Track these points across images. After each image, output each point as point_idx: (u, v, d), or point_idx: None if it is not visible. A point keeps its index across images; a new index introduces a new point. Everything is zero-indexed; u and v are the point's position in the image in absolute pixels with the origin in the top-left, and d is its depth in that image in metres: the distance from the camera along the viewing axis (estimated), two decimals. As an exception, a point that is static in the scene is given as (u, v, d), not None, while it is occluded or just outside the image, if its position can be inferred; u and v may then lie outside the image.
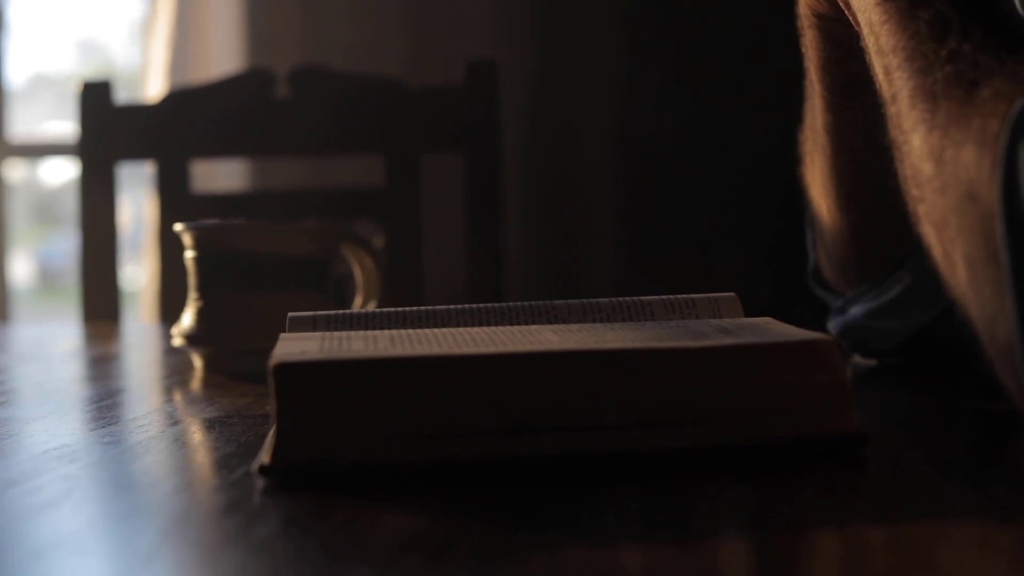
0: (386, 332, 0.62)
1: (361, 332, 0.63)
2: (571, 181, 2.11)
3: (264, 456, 0.51)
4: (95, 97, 1.56)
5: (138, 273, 2.37)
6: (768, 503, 0.47)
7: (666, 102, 2.08)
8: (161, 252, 1.55)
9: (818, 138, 0.82)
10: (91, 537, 0.44)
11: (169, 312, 1.47)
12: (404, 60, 2.06)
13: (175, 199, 1.54)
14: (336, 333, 0.62)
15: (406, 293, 1.48)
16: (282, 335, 0.62)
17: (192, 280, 0.93)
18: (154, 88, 2.13)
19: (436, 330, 0.62)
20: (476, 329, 0.63)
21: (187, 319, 0.92)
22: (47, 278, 5.95)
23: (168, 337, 0.95)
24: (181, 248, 0.94)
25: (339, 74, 1.60)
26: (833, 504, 0.47)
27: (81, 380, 0.92)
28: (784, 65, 2.00)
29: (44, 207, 5.83)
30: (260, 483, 0.50)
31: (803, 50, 0.77)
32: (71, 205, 1.65)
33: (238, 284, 0.91)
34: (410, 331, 0.62)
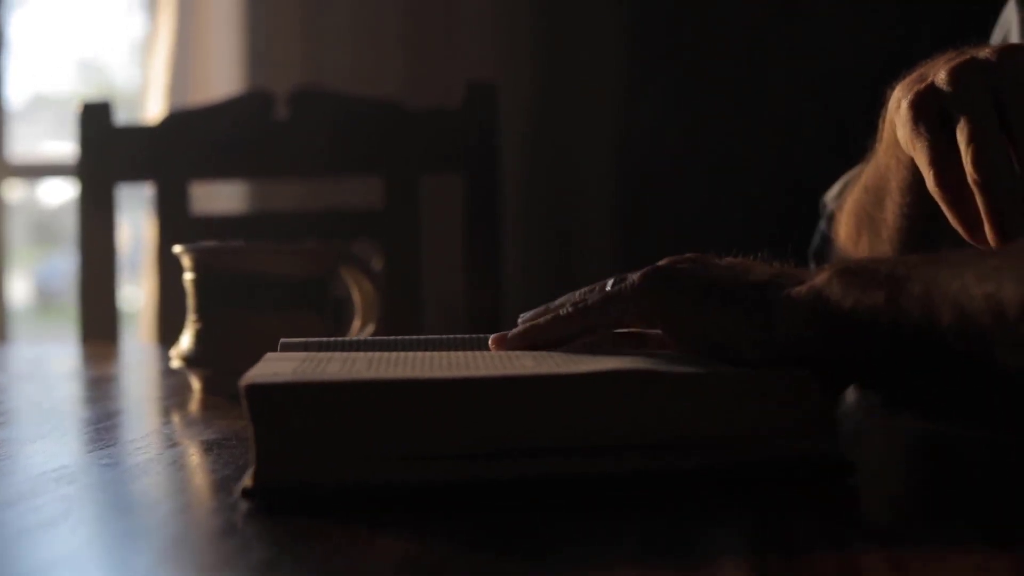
0: (365, 355, 0.62)
1: (341, 354, 0.63)
2: (570, 202, 2.11)
3: (247, 479, 0.51)
4: (95, 118, 1.56)
5: (137, 294, 2.37)
6: (765, 529, 0.47)
7: (665, 121, 2.09)
8: (160, 273, 1.55)
9: (879, 226, 0.82)
10: (88, 558, 0.44)
11: (168, 333, 1.46)
12: (403, 81, 2.07)
13: (174, 220, 1.54)
14: (318, 354, 0.62)
15: (405, 314, 1.48)
16: (265, 356, 0.62)
17: (191, 301, 0.93)
18: (154, 109, 2.13)
19: (416, 354, 0.63)
20: (457, 354, 0.63)
21: (186, 340, 0.92)
22: (46, 298, 5.95)
23: (166, 358, 0.94)
24: (180, 269, 0.94)
25: (338, 95, 1.60)
26: (831, 528, 0.47)
27: (79, 401, 0.92)
28: (782, 80, 2.00)
29: (43, 227, 5.83)
30: (246, 506, 0.50)
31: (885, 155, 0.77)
32: (70, 225, 1.65)
33: (237, 306, 0.91)
34: (389, 354, 0.62)
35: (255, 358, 0.92)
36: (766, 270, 0.61)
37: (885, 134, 0.75)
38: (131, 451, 0.65)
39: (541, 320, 0.67)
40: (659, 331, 0.66)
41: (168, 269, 1.47)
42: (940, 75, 0.66)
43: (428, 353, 0.63)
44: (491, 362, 0.59)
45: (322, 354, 0.62)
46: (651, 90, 2.10)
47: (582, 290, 0.69)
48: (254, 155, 1.57)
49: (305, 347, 0.67)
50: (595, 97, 2.10)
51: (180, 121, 1.61)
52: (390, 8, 2.11)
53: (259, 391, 0.51)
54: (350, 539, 0.45)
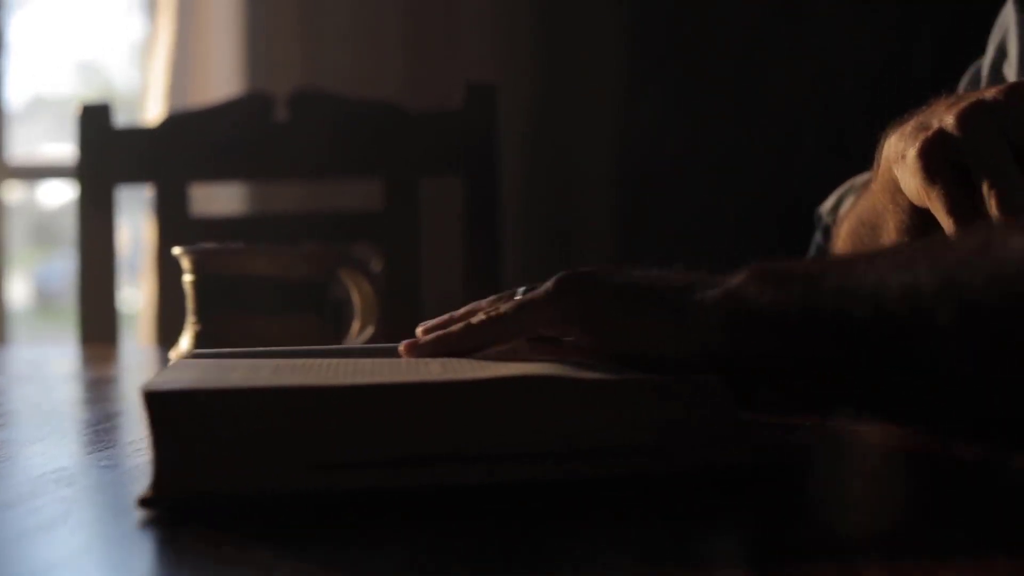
0: (272, 362, 0.61)
1: (248, 362, 0.62)
2: (570, 203, 2.12)
3: (146, 489, 0.49)
4: (94, 120, 1.56)
5: (136, 296, 2.37)
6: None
7: (665, 122, 2.09)
8: (159, 275, 1.55)
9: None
10: (87, 560, 0.44)
11: (167, 335, 1.46)
12: (403, 83, 2.07)
13: (174, 222, 1.54)
14: (224, 362, 0.61)
15: (404, 316, 1.48)
16: (172, 363, 0.61)
17: (190, 303, 0.93)
18: (153, 111, 2.13)
19: (324, 361, 0.61)
20: (366, 360, 0.62)
21: (185, 342, 0.92)
22: (45, 300, 5.95)
23: (166, 360, 0.94)
24: (179, 271, 0.94)
25: (338, 98, 1.60)
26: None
27: (78, 402, 0.92)
28: (782, 80, 2.00)
29: (42, 229, 5.83)
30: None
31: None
32: (69, 227, 1.65)
33: (236, 307, 0.91)
34: (296, 361, 0.61)
35: (255, 360, 0.92)
36: (683, 276, 0.61)
37: (880, 177, 0.74)
38: (131, 453, 0.65)
39: (454, 328, 0.66)
40: (574, 338, 0.65)
41: (167, 271, 1.47)
42: (948, 120, 0.65)
43: (336, 360, 0.62)
44: (397, 369, 0.58)
45: (229, 361, 0.61)
46: (651, 91, 2.10)
47: (490, 298, 0.69)
48: (254, 157, 1.57)
49: (216, 355, 0.66)
50: (595, 98, 2.10)
51: (180, 123, 1.61)
52: (390, 10, 2.11)
53: (158, 398, 0.49)
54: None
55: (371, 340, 1.00)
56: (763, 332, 0.55)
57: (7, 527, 0.48)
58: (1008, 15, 0.92)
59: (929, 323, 0.48)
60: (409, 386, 0.52)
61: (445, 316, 0.69)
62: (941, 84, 0.74)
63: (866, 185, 0.81)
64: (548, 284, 0.63)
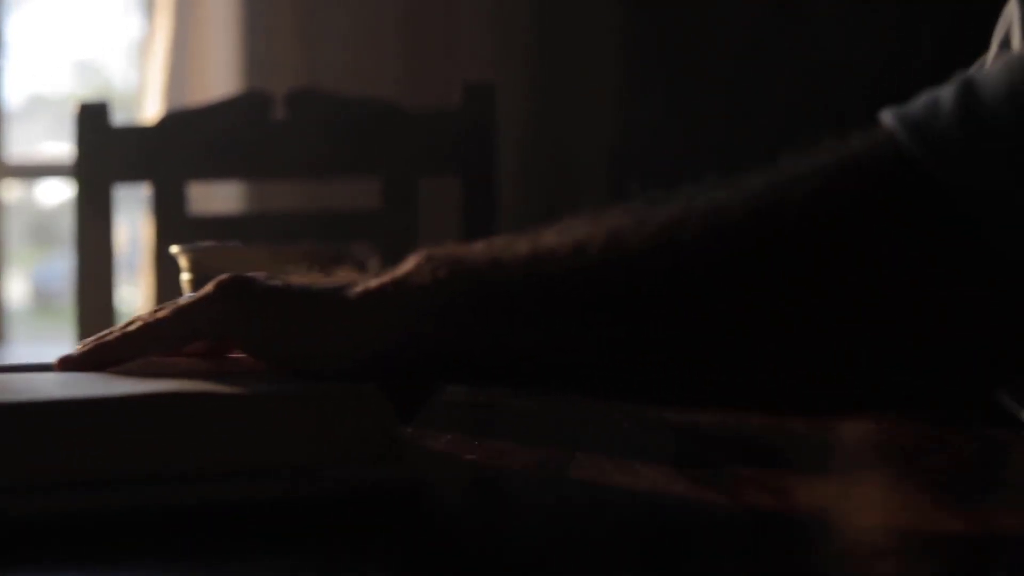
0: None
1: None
2: (568, 203, 2.11)
3: None
4: (92, 118, 1.56)
5: (134, 294, 2.37)
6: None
7: (663, 122, 2.09)
8: (157, 274, 1.55)
9: None
10: (85, 563, 0.43)
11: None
12: (401, 82, 2.07)
13: (171, 221, 1.54)
14: None
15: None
16: None
17: (188, 302, 0.93)
18: (151, 110, 2.13)
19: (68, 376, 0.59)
20: (95, 376, 0.59)
21: (182, 341, 0.92)
22: (43, 299, 5.94)
23: (163, 359, 0.94)
24: (177, 270, 0.94)
25: (336, 97, 1.60)
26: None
27: (76, 402, 0.91)
28: (782, 80, 2.00)
29: (40, 228, 5.83)
30: None
31: None
32: (67, 226, 1.65)
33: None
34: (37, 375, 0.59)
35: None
36: (350, 278, 0.59)
37: None
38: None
39: (109, 337, 0.63)
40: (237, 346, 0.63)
41: (165, 270, 1.47)
42: None
43: (82, 375, 0.59)
44: (63, 385, 0.54)
45: None
46: (649, 92, 2.10)
47: (157, 307, 0.65)
48: (251, 156, 1.57)
49: None
50: (593, 98, 2.10)
51: (177, 122, 1.61)
52: (388, 10, 2.11)
53: None
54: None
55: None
56: (434, 319, 0.54)
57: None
58: (1012, 10, 0.91)
59: (592, 267, 0.50)
60: (17, 406, 0.48)
61: (107, 331, 0.64)
62: (941, 84, 0.74)
63: None
64: (208, 287, 0.60)
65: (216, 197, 2.03)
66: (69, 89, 5.31)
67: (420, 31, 2.10)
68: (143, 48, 2.26)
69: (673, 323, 0.50)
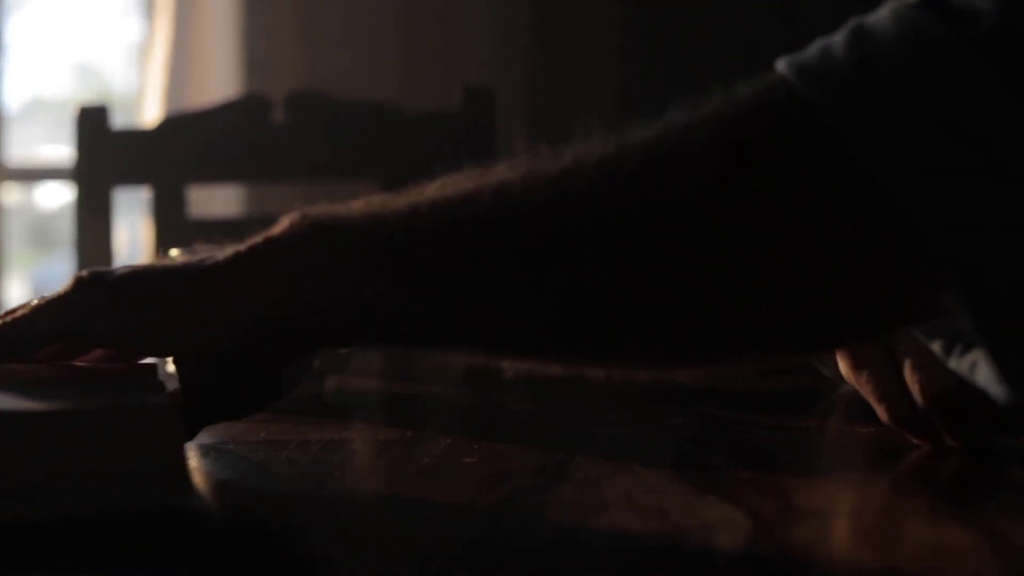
0: None
1: None
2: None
3: None
4: (92, 121, 1.55)
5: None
6: None
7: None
8: (157, 276, 1.55)
9: None
10: (84, 564, 0.43)
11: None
12: (400, 85, 2.07)
13: (171, 224, 1.54)
14: None
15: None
16: None
17: (188, 305, 0.93)
18: (151, 113, 2.13)
19: None
20: None
21: (183, 344, 0.92)
22: (42, 302, 5.93)
23: (163, 363, 0.94)
24: (177, 273, 0.94)
25: (335, 100, 1.60)
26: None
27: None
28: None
29: (40, 231, 5.82)
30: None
31: None
32: (67, 229, 1.65)
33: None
34: None
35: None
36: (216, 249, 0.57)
37: None
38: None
39: None
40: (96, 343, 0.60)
41: (165, 273, 1.47)
42: None
43: None
44: None
45: None
46: (648, 94, 2.10)
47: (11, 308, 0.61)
48: (251, 158, 1.57)
49: None
50: (592, 101, 2.10)
51: (177, 125, 1.61)
52: (387, 12, 2.11)
53: None
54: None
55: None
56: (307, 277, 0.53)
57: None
58: None
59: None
60: None
61: None
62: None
63: None
64: (66, 283, 0.57)
65: (216, 200, 2.03)
66: (69, 92, 5.30)
67: (420, 33, 2.10)
68: (143, 51, 2.26)
69: (565, 274, 0.50)
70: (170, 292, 0.55)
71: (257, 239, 0.54)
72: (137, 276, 0.57)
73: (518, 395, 1.02)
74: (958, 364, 0.47)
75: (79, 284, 0.57)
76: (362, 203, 0.55)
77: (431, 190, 0.55)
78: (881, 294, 0.49)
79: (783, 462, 0.65)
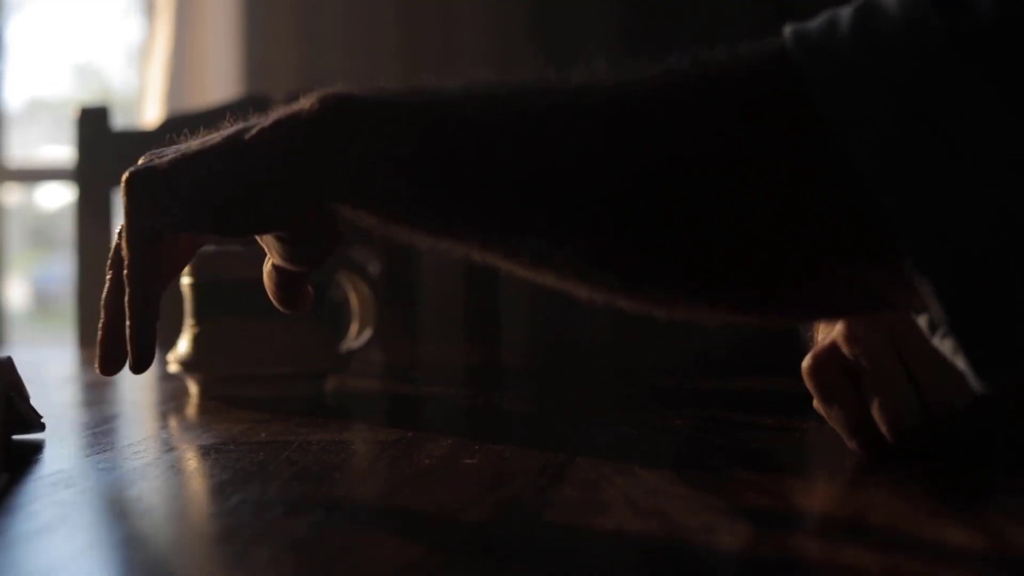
0: None
1: None
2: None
3: None
4: (92, 122, 1.56)
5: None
6: None
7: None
8: (157, 277, 1.55)
9: None
10: (85, 564, 0.44)
11: (165, 338, 1.46)
12: (400, 85, 2.07)
13: (171, 224, 1.54)
14: None
15: (402, 319, 1.47)
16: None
17: (188, 306, 0.93)
18: (151, 113, 2.13)
19: None
20: None
21: (183, 345, 0.92)
22: (43, 302, 5.94)
23: (164, 363, 0.94)
24: (177, 274, 0.94)
25: (336, 100, 1.60)
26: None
27: (76, 405, 0.92)
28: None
29: (40, 231, 5.83)
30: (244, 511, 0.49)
31: None
32: (67, 230, 1.65)
33: (233, 311, 0.91)
34: None
35: (252, 363, 0.92)
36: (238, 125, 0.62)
37: None
38: (128, 455, 0.65)
39: (106, 320, 0.64)
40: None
41: (165, 273, 1.47)
42: (837, 333, 0.62)
43: None
44: None
45: None
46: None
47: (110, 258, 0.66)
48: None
49: None
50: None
51: (177, 125, 1.60)
52: (387, 13, 2.11)
53: None
54: (352, 544, 0.45)
55: (369, 344, 1.00)
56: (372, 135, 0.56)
57: (5, 531, 0.48)
58: None
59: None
60: None
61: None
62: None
63: None
64: (120, 190, 0.64)
65: (216, 201, 2.03)
66: (69, 92, 5.31)
67: (418, 35, 2.10)
68: (143, 52, 2.26)
69: (559, 179, 0.52)
70: (216, 174, 0.60)
71: (279, 113, 0.58)
72: (182, 164, 0.61)
73: (518, 396, 1.02)
74: (941, 344, 0.48)
75: (131, 183, 0.63)
76: (388, 87, 0.59)
77: (458, 84, 0.60)
78: (848, 282, 0.49)
79: (783, 463, 0.65)
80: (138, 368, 0.62)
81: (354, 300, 0.99)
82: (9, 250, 2.52)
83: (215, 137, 0.61)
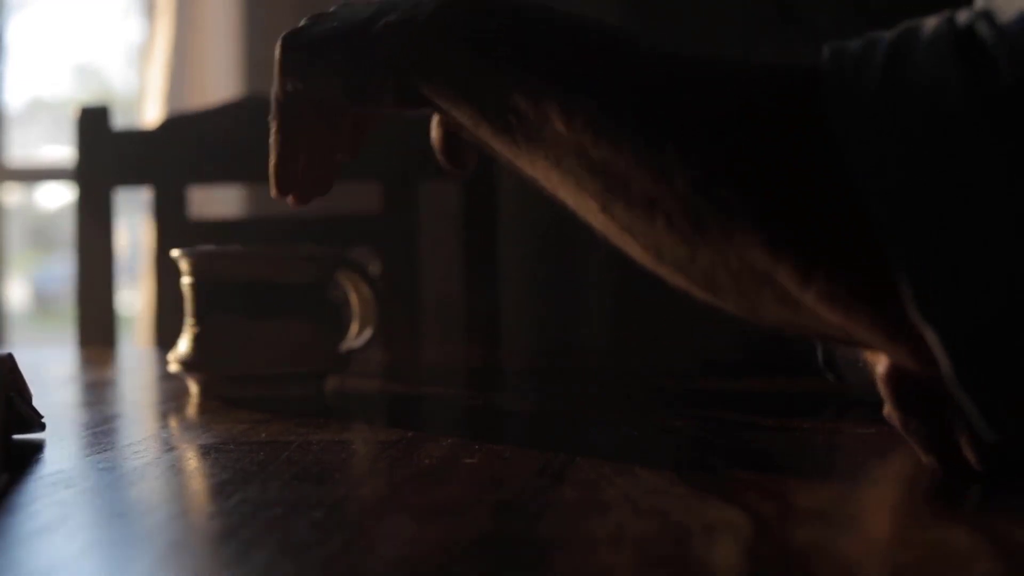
0: None
1: None
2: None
3: None
4: (92, 122, 1.56)
5: (134, 298, 2.37)
6: None
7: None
8: (157, 278, 1.55)
9: None
10: (86, 564, 0.44)
11: (165, 338, 1.46)
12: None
13: (172, 224, 1.54)
14: None
15: (402, 320, 1.47)
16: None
17: (188, 306, 0.93)
18: (151, 113, 2.13)
19: None
20: None
21: (183, 345, 0.92)
22: (43, 303, 5.95)
23: (164, 363, 0.94)
24: (177, 274, 0.94)
25: (336, 100, 1.60)
26: None
27: (76, 405, 0.91)
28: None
29: (40, 232, 5.84)
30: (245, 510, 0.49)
31: None
32: (67, 230, 1.65)
33: (234, 310, 0.91)
34: None
35: (252, 363, 0.92)
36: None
37: None
38: (129, 456, 0.65)
39: (276, 154, 0.81)
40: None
41: (165, 273, 1.47)
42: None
43: None
44: None
45: None
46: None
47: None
48: (252, 159, 1.56)
49: None
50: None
51: (178, 125, 1.61)
52: (388, 13, 2.11)
53: None
54: (350, 543, 0.45)
55: (369, 344, 1.00)
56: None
57: (4, 531, 0.48)
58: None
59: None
60: None
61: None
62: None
63: None
64: (277, 49, 0.74)
65: (217, 201, 2.03)
66: (69, 93, 5.31)
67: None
68: (143, 51, 2.26)
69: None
70: (355, 50, 0.68)
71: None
72: (328, 37, 0.71)
73: (518, 396, 1.02)
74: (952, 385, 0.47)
75: (283, 44, 0.75)
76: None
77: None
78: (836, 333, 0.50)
79: (784, 464, 0.65)
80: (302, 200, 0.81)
81: (354, 300, 0.99)
82: (9, 250, 2.52)
83: (365, 11, 0.67)
